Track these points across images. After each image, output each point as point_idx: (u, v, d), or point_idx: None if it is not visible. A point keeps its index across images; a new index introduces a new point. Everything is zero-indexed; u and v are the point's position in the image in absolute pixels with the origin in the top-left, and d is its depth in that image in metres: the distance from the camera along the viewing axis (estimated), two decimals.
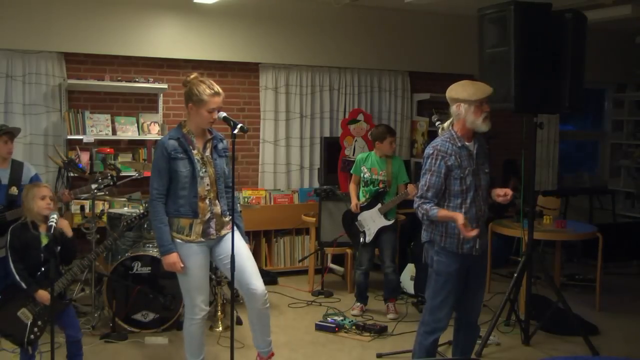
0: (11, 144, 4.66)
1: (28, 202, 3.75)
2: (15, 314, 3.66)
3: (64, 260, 3.83)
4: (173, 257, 3.58)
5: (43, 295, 3.62)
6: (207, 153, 3.66)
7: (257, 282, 3.67)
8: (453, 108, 3.58)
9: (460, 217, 3.44)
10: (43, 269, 3.68)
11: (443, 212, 3.52)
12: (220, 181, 3.69)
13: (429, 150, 3.60)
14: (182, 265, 3.59)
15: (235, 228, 3.61)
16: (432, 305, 3.64)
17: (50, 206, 3.78)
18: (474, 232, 3.44)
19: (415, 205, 3.61)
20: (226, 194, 3.74)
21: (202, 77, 3.64)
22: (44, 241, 3.72)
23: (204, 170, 3.62)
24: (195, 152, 3.61)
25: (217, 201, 3.67)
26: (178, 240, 3.62)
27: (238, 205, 4.03)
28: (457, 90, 3.57)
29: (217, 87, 3.59)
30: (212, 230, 3.66)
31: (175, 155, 3.55)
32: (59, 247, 3.73)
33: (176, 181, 3.57)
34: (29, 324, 3.65)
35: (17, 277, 3.61)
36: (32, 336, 3.67)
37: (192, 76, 3.64)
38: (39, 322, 3.68)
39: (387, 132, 5.37)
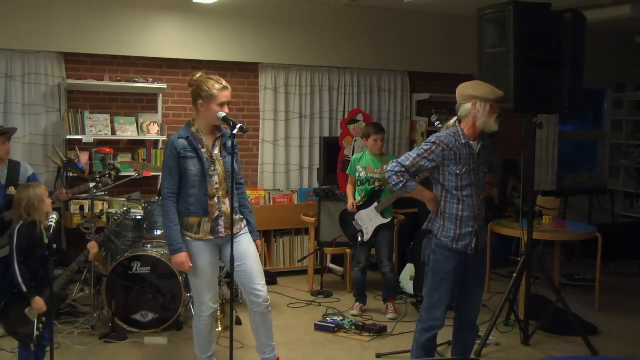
0: (8, 144, 4.66)
1: (38, 202, 3.72)
2: (23, 313, 3.65)
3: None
4: (182, 257, 3.60)
5: (38, 302, 3.60)
6: (216, 151, 3.68)
7: (261, 285, 3.71)
8: (467, 105, 3.54)
9: (433, 201, 3.58)
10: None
11: (420, 189, 3.59)
12: (229, 179, 3.71)
13: (431, 138, 3.57)
14: (190, 265, 3.62)
15: (239, 228, 3.70)
16: (429, 304, 3.66)
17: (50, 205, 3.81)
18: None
19: (391, 167, 3.55)
20: (235, 191, 3.77)
21: (209, 75, 3.71)
22: (46, 240, 3.72)
23: (212, 168, 3.65)
24: (204, 150, 3.64)
25: (225, 199, 3.69)
26: (187, 238, 3.65)
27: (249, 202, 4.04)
28: (473, 88, 3.56)
29: (224, 82, 3.66)
30: (221, 229, 3.67)
31: (185, 154, 3.59)
32: (55, 246, 3.72)
33: (186, 180, 3.61)
34: (35, 322, 3.64)
35: (20, 280, 3.60)
36: (37, 333, 3.66)
37: (197, 75, 3.68)
38: (43, 318, 3.68)
39: (370, 130, 5.36)
